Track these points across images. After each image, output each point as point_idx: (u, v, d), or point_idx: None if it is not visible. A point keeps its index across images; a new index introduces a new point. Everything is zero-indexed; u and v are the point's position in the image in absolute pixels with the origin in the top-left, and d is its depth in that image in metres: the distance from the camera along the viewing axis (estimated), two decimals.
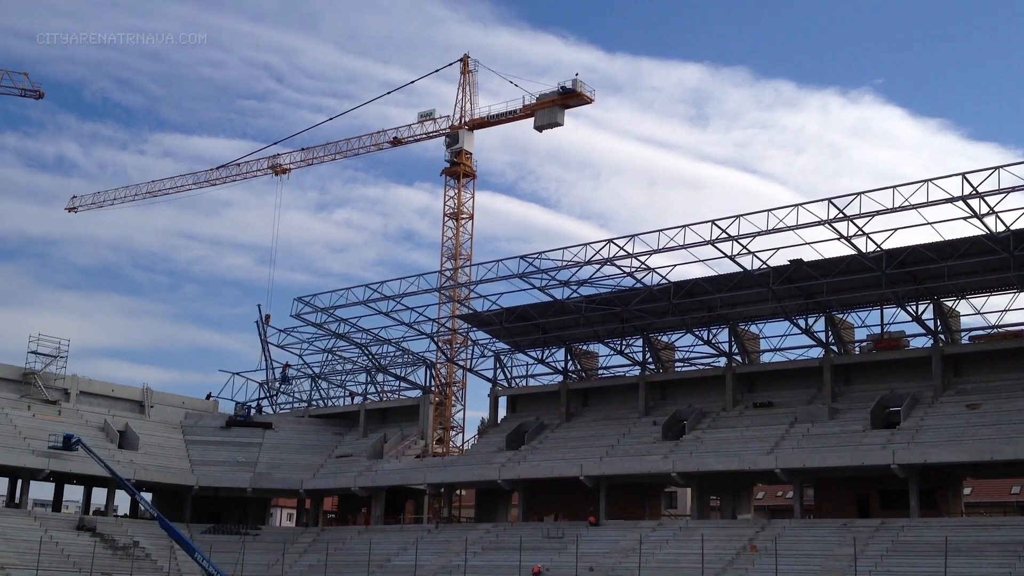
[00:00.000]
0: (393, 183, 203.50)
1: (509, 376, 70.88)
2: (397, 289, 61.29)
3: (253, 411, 79.36)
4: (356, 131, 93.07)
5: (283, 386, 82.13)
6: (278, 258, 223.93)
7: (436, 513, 69.45)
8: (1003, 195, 42.59)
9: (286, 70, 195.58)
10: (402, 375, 75.54)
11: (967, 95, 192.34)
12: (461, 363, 77.23)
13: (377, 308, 63.67)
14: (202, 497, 68.31)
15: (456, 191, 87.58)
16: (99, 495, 70.11)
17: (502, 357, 70.27)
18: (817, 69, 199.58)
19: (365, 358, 73.71)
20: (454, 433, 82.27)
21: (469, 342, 72.68)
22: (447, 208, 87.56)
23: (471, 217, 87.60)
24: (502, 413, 71.77)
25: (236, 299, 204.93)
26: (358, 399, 78.33)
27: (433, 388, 76.05)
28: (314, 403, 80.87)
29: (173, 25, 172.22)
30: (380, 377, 76.72)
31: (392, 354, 73.48)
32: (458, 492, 70.17)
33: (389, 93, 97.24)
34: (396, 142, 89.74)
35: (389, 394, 77.76)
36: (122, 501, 69.27)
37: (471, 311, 66.84)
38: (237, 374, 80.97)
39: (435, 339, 71.44)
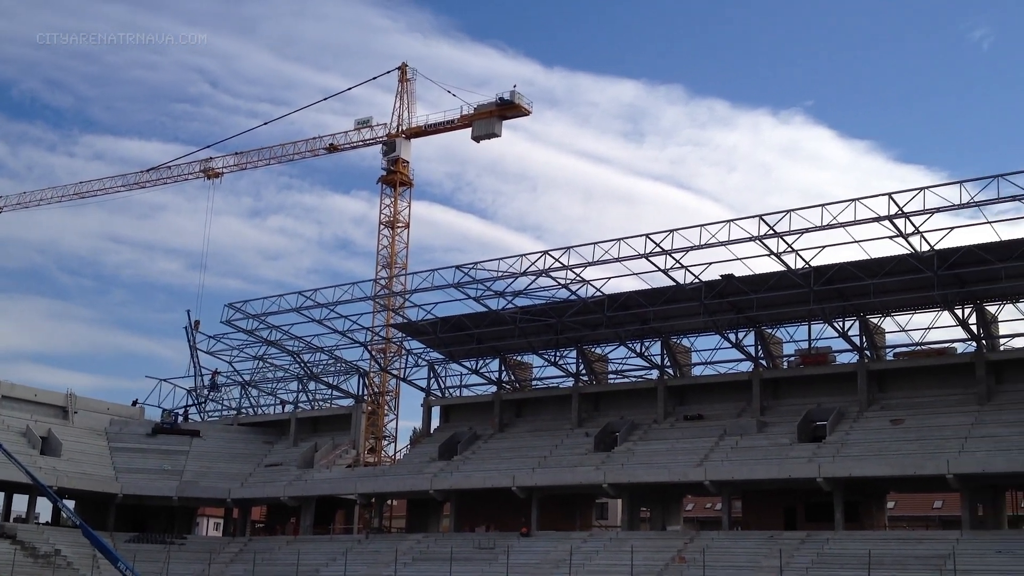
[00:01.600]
0: (329, 191, 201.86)
1: (443, 386, 70.74)
2: (331, 297, 60.85)
3: (180, 418, 77.99)
4: (292, 138, 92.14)
5: (212, 393, 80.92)
6: (210, 264, 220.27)
7: (367, 523, 68.94)
8: (928, 215, 43.75)
9: (221, 74, 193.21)
10: (334, 384, 74.92)
11: (895, 118, 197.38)
12: (395, 372, 76.86)
13: (310, 316, 63.12)
14: (126, 505, 66.90)
15: (392, 200, 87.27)
16: (20, 502, 68.17)
17: (436, 367, 70.11)
18: (750, 89, 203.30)
19: (297, 366, 72.97)
20: (386, 443, 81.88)
21: (403, 351, 72.39)
22: (383, 217, 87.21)
23: (407, 226, 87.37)
24: (435, 423, 71.60)
25: (166, 305, 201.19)
26: (289, 407, 77.45)
27: (366, 397, 75.56)
28: (244, 411, 79.78)
29: (107, 26, 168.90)
30: (312, 385, 75.95)
31: (325, 362, 72.83)
32: (389, 502, 69.77)
33: (325, 99, 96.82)
34: (332, 149, 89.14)
35: (321, 403, 77.02)
36: (44, 508, 67.52)
37: (406, 320, 66.61)
38: (165, 380, 79.51)
39: (369, 348, 71.01)
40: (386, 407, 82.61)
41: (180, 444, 72.44)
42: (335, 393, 75.76)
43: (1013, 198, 41.32)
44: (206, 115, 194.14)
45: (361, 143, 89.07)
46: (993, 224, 44.71)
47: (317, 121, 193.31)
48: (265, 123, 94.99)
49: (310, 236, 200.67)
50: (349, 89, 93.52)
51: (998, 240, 45.56)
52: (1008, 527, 51.15)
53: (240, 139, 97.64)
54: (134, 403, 79.24)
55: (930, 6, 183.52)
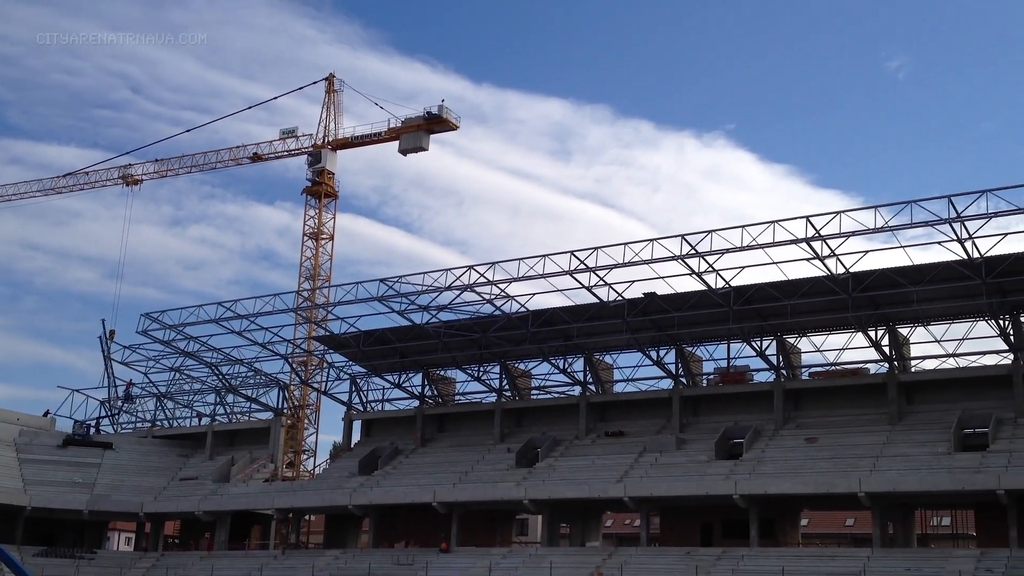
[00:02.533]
0: (253, 201, 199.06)
1: (365, 400, 70.12)
2: (252, 308, 59.91)
3: (92, 430, 75.97)
4: (216, 147, 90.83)
5: (126, 405, 78.97)
6: (128, 273, 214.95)
7: (283, 539, 67.87)
8: (843, 239, 44.82)
9: (144, 81, 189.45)
10: (253, 396, 73.74)
11: (813, 144, 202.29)
12: (315, 385, 76.02)
13: (230, 327, 62.07)
14: (35, 519, 64.75)
15: (317, 211, 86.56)
16: None
17: (358, 380, 69.50)
18: (674, 112, 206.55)
19: (215, 378, 71.67)
20: (306, 457, 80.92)
21: (325, 364, 71.62)
22: (307, 228, 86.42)
23: (331, 238, 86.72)
24: (356, 437, 70.89)
25: (80, 314, 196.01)
26: (206, 420, 75.97)
27: (285, 410, 74.52)
28: (158, 423, 78.00)
29: (27, 30, 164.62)
30: (230, 398, 74.66)
31: (244, 375, 71.66)
32: (307, 518, 68.81)
33: (250, 108, 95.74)
34: (256, 158, 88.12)
35: (239, 416, 75.73)
36: None
37: (328, 333, 65.95)
38: (77, 391, 77.42)
39: (290, 360, 70.10)
40: (306, 421, 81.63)
41: (92, 456, 70.56)
42: (254, 406, 74.62)
43: (925, 223, 42.61)
44: (127, 121, 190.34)
45: (286, 153, 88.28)
46: (906, 248, 46.09)
47: (242, 131, 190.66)
48: (188, 130, 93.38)
49: (232, 246, 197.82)
50: (275, 98, 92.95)
51: (911, 264, 46.89)
52: (917, 545, 52.44)
53: (161, 146, 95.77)
54: (45, 414, 76.95)
55: (849, 35, 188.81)
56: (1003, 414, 48.79)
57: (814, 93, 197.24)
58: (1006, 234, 43.54)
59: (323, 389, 73.04)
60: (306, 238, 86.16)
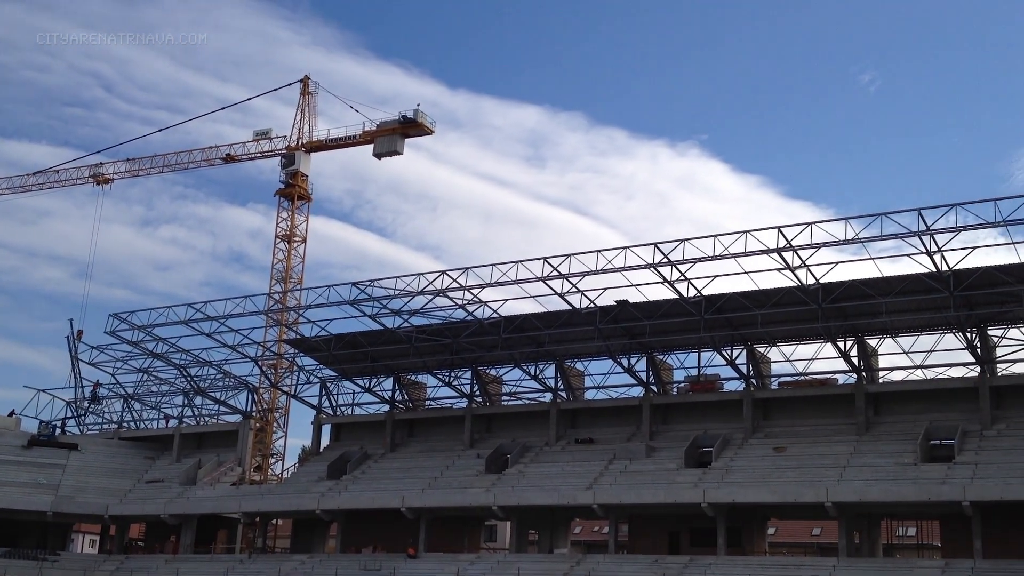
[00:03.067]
0: (225, 202, 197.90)
1: (334, 404, 69.78)
2: (222, 310, 59.49)
3: (58, 431, 75.05)
4: (189, 147, 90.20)
5: (92, 406, 78.10)
6: (97, 273, 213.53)
7: (250, 543, 67.34)
8: (814, 250, 45.10)
9: (116, 80, 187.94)
10: (222, 399, 73.15)
11: (785, 155, 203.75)
12: (285, 389, 75.53)
13: (199, 329, 61.58)
14: None
15: (290, 213, 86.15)
16: None
17: (328, 384, 69.12)
18: (648, 120, 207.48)
19: (183, 380, 71.06)
20: (274, 461, 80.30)
21: (295, 368, 71.20)
22: (279, 230, 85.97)
23: (304, 241, 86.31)
24: (325, 441, 70.46)
25: (48, 313, 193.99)
26: (173, 422, 75.33)
27: (254, 413, 73.97)
28: (125, 425, 77.20)
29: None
30: (198, 400, 74.02)
31: (212, 377, 71.08)
32: (274, 522, 68.36)
33: (223, 109, 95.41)
34: (229, 159, 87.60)
35: (207, 418, 75.12)
36: None
37: (299, 336, 65.57)
38: (43, 391, 76.48)
39: (259, 363, 69.65)
40: (275, 424, 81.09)
41: (57, 457, 69.72)
42: (222, 409, 73.99)
43: (895, 236, 42.96)
44: (99, 120, 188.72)
45: (259, 155, 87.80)
46: (876, 260, 46.48)
47: (215, 132, 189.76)
48: (160, 130, 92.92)
49: (203, 248, 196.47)
50: (249, 99, 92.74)
51: (880, 276, 47.29)
52: (883, 555, 52.79)
53: (133, 146, 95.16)
54: (10, 414, 75.95)
55: (822, 49, 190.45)
56: (969, 426, 49.26)
57: (787, 105, 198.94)
58: (974, 248, 44.10)
59: (292, 392, 72.59)
60: (278, 240, 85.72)
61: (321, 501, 59.02)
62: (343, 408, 70.16)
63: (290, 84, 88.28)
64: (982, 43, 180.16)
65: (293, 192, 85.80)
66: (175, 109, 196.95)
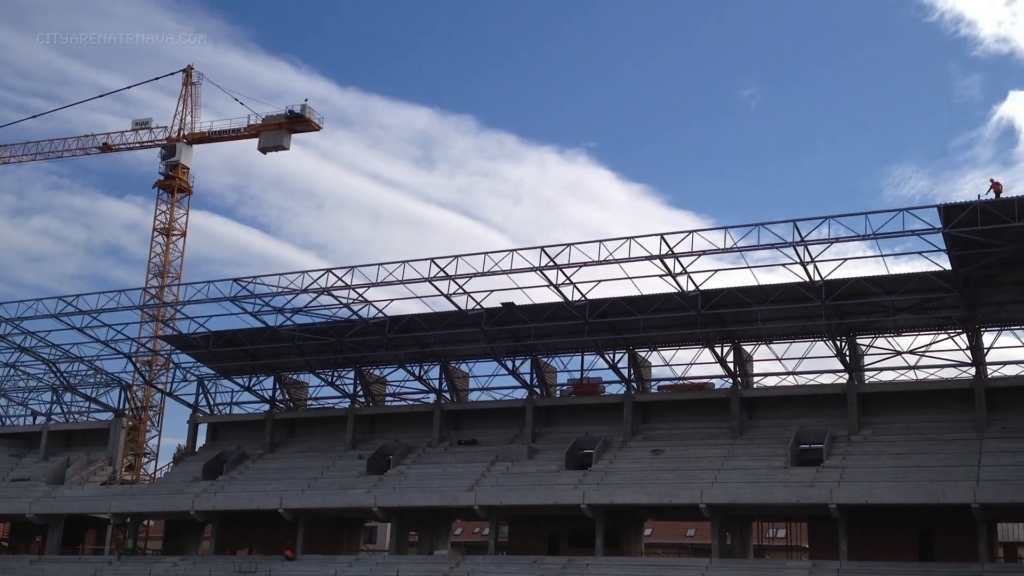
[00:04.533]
0: (102, 194, 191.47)
1: (212, 403, 68.14)
2: (95, 304, 57.53)
3: None
4: (65, 135, 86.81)
5: None
6: None
7: (119, 544, 65.22)
8: (695, 257, 46.18)
9: None
10: (93, 396, 70.67)
11: (669, 166, 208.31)
12: (160, 386, 73.45)
13: (70, 323, 59.32)
14: None
15: (169, 206, 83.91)
16: None
17: (206, 382, 67.48)
18: (538, 126, 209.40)
19: (52, 375, 68.36)
20: (147, 460, 78.07)
21: (171, 365, 69.26)
22: (158, 223, 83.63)
23: (183, 234, 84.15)
24: (202, 441, 68.80)
25: None
26: (41, 419, 72.44)
27: (127, 411, 71.70)
28: None
29: None
30: (68, 396, 71.36)
31: (83, 373, 68.59)
32: (146, 523, 66.37)
33: (102, 96, 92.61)
34: (106, 148, 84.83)
35: (77, 415, 72.48)
36: None
37: (176, 332, 63.84)
38: None
39: (133, 360, 67.49)
40: (149, 423, 78.80)
41: None
42: (93, 406, 71.54)
43: (771, 246, 44.33)
44: None
45: (138, 145, 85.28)
46: (753, 269, 47.91)
47: (95, 121, 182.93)
48: (34, 116, 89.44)
49: (77, 240, 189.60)
50: (128, 88, 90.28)
51: (756, 284, 48.74)
52: (754, 556, 54.40)
53: (5, 132, 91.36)
54: None
55: (706, 65, 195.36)
56: (837, 431, 51.15)
57: (673, 118, 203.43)
58: (845, 259, 45.83)
59: (168, 390, 70.59)
60: (156, 234, 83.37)
61: (195, 502, 57.60)
62: (221, 407, 68.64)
63: (172, 73, 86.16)
64: (856, 64, 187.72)
65: (173, 184, 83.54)
66: (52, 97, 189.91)
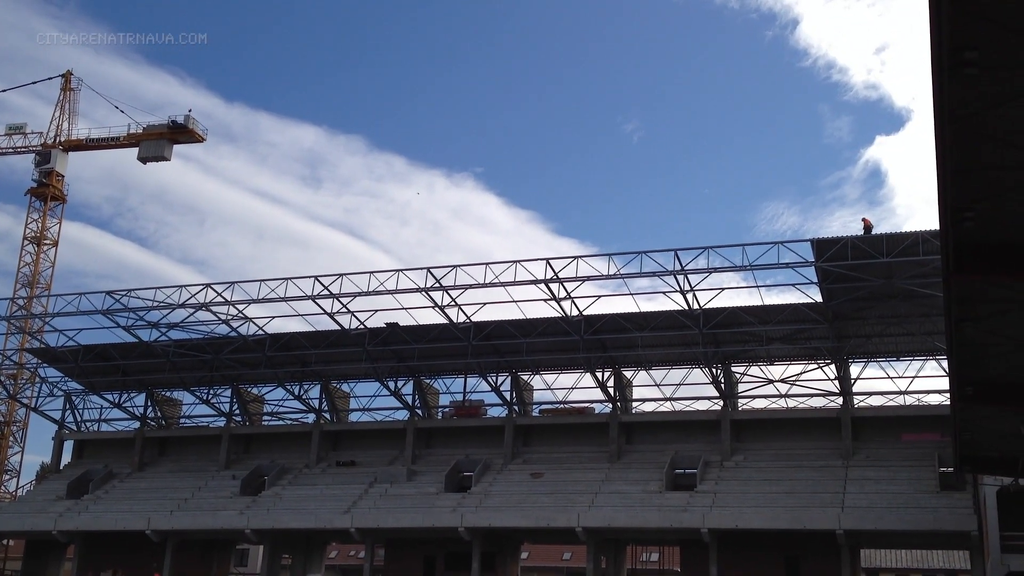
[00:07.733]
0: None
1: (79, 419, 65.59)
2: None
3: None
4: None
5: None
6: None
7: None
8: (579, 283, 46.93)
9: None
10: None
11: (555, 195, 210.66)
12: (24, 401, 70.34)
13: None
14: None
15: (41, 215, 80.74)
16: None
17: (73, 398, 64.93)
18: (427, 150, 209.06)
19: None
20: (8, 477, 74.54)
21: (36, 379, 66.42)
22: (29, 231, 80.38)
23: (55, 244, 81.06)
24: (67, 459, 66.05)
25: None
26: None
27: None
28: None
29: None
30: None
31: None
32: (5, 542, 63.27)
33: None
34: None
35: None
36: None
37: (43, 345, 61.33)
38: None
39: None
40: (11, 438, 75.34)
41: None
42: None
43: (653, 273, 45.32)
44: None
45: (11, 150, 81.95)
46: (635, 296, 48.88)
47: None
48: None
49: None
50: (3, 91, 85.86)
51: (638, 311, 49.70)
52: None
53: None
54: None
55: (591, 99, 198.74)
56: (710, 456, 52.36)
57: (559, 148, 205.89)
58: (723, 289, 47.21)
59: (33, 405, 67.65)
60: (27, 242, 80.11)
61: (58, 521, 55.27)
62: (89, 424, 66.13)
63: (51, 78, 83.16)
64: (734, 103, 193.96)
65: (47, 192, 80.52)
66: None
